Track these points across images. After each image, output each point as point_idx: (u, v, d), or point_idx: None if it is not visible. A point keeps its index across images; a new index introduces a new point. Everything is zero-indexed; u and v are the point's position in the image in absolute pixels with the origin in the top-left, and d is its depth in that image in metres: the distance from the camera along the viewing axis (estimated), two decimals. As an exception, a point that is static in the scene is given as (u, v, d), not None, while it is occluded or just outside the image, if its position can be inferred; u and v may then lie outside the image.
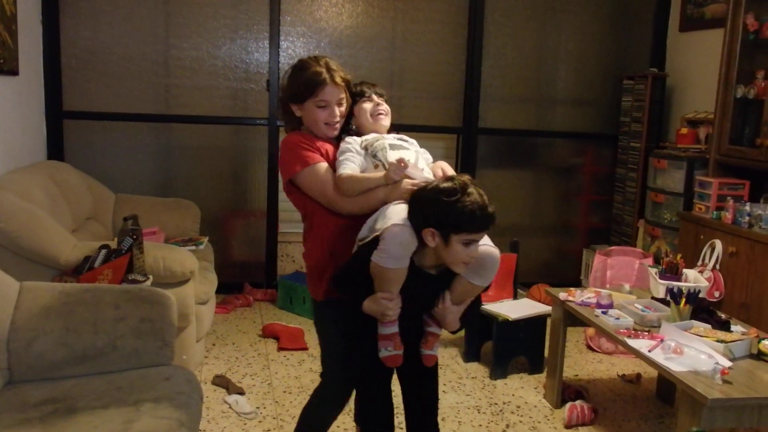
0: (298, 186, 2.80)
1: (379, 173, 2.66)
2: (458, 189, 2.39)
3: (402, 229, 2.43)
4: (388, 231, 2.43)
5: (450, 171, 2.82)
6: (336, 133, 2.88)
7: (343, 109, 2.86)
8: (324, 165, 2.76)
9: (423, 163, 2.83)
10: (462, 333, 4.96)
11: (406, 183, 2.61)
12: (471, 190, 2.40)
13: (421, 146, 2.94)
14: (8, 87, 4.63)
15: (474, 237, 2.41)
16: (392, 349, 2.61)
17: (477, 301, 2.76)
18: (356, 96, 2.89)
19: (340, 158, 2.75)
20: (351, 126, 2.89)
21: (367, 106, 2.86)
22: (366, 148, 2.77)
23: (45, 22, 5.40)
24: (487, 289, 2.67)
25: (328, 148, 2.84)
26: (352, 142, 2.78)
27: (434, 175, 2.75)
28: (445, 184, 2.43)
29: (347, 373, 2.87)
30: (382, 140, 2.79)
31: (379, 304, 2.55)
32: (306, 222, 2.91)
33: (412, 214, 2.46)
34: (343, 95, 2.84)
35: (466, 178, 2.47)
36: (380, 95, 2.91)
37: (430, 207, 2.40)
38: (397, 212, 2.51)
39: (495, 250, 2.54)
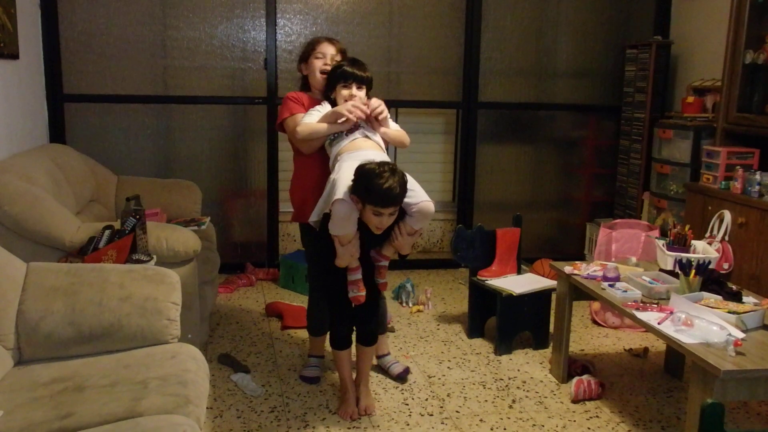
0: (284, 127, 3.74)
1: (324, 124, 3.54)
2: (378, 172, 3.12)
3: (341, 204, 3.17)
4: (333, 208, 3.18)
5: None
6: None
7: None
8: (301, 115, 3.66)
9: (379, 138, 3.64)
10: (465, 309, 4.99)
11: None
12: (387, 176, 3.11)
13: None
14: (9, 71, 4.60)
15: (380, 210, 3.17)
16: (357, 291, 3.46)
17: None
18: (340, 78, 3.61)
19: (309, 112, 3.66)
20: (332, 97, 3.66)
21: (345, 93, 3.60)
22: None
23: (43, 5, 5.35)
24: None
25: (310, 105, 3.73)
26: (322, 109, 3.63)
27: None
28: (373, 167, 3.16)
29: (324, 282, 3.80)
30: None
31: (343, 260, 3.40)
32: (294, 162, 3.88)
33: (353, 182, 3.18)
34: (337, 55, 3.77)
35: (392, 166, 3.20)
36: (362, 82, 3.61)
37: (358, 179, 3.17)
38: (341, 186, 3.21)
39: (428, 204, 3.32)
